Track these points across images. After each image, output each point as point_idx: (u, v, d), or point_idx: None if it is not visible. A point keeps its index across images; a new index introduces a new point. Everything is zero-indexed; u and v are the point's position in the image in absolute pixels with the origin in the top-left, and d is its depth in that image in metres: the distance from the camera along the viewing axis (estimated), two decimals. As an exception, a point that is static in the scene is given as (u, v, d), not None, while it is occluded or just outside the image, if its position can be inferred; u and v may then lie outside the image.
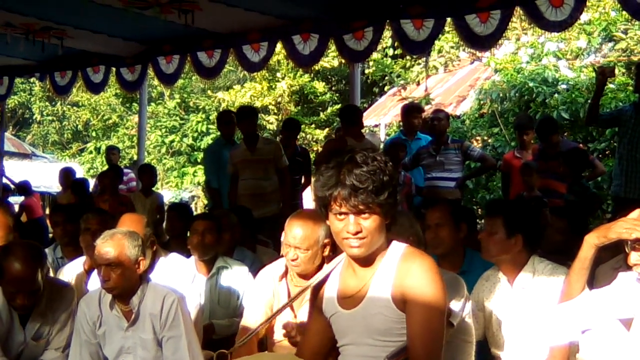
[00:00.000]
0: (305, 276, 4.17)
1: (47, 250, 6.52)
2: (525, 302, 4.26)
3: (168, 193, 21.28)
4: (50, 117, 30.27)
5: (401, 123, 10.67)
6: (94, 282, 5.10)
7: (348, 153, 3.09)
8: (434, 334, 3.07)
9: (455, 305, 3.80)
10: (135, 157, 15.75)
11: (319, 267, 4.12)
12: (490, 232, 4.28)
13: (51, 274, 5.79)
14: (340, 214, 3.07)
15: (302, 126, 16.07)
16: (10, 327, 4.42)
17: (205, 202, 16.93)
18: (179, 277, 4.84)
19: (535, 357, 4.11)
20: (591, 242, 3.34)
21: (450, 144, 8.95)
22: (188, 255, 5.87)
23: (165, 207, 10.68)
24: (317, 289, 3.41)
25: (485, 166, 9.50)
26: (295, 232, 4.18)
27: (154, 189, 10.64)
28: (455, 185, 8.84)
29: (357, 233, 3.06)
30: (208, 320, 5.57)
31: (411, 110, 9.53)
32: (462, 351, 3.87)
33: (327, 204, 3.10)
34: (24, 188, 14.46)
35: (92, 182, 12.44)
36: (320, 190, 3.09)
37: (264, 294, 4.47)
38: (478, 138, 12.50)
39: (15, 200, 15.24)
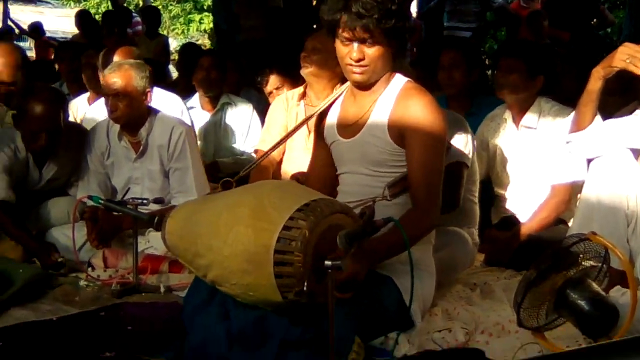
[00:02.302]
0: (319, 93, 4.20)
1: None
2: (530, 142, 4.28)
3: (174, 41, 21.05)
4: (53, -39, 29.61)
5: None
6: (95, 110, 5.13)
7: None
8: (433, 167, 3.11)
9: (461, 144, 3.82)
10: (140, 3, 15.50)
11: (331, 88, 4.15)
12: (511, 71, 4.25)
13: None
14: (345, 39, 3.05)
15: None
16: (26, 168, 4.45)
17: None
18: (165, 111, 4.77)
19: (537, 196, 4.17)
20: (597, 75, 3.32)
21: None
22: (192, 92, 5.89)
23: (172, 52, 10.59)
24: (321, 118, 3.43)
25: (504, 16, 9.31)
26: (314, 34, 4.26)
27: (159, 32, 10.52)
28: (472, 35, 8.74)
29: (359, 60, 3.06)
30: (213, 158, 5.64)
31: None
32: (466, 189, 3.91)
33: (333, 28, 3.08)
34: (35, 29, 14.20)
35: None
36: (327, 14, 3.07)
37: (278, 118, 4.50)
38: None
39: (24, 45, 15.05)
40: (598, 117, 3.40)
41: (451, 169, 3.44)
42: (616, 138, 3.32)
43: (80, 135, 4.58)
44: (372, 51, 3.06)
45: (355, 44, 3.04)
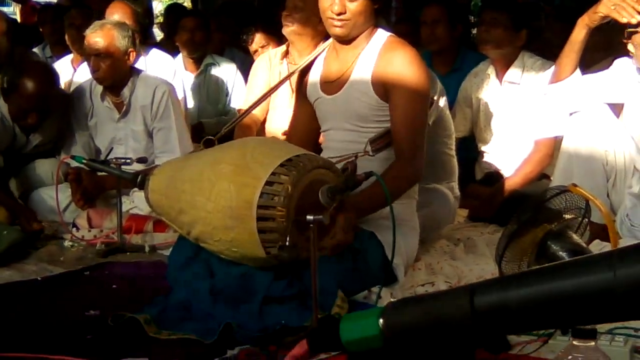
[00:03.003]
0: (302, 52, 4.18)
1: (36, 49, 6.50)
2: (514, 97, 4.28)
3: (159, 4, 20.88)
4: None
5: None
6: (81, 75, 5.10)
7: None
8: (417, 120, 3.11)
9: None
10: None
11: (314, 46, 4.12)
12: (494, 25, 4.23)
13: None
14: None
15: None
16: (13, 135, 4.44)
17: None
18: (160, 73, 4.79)
19: (521, 151, 4.18)
20: (582, 24, 3.33)
21: None
22: (177, 53, 5.85)
23: (157, 15, 10.48)
24: (303, 75, 3.41)
25: None
26: None
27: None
28: None
29: (340, 14, 3.05)
30: (197, 119, 5.62)
31: None
32: (442, 144, 3.89)
33: None
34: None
35: None
36: None
37: (261, 77, 4.48)
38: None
39: (8, 10, 14.88)
40: (578, 71, 3.41)
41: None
42: (594, 93, 3.33)
43: (65, 101, 4.56)
44: (353, 5, 3.05)
45: None
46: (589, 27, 3.32)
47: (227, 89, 5.78)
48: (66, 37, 5.68)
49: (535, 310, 1.28)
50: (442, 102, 3.79)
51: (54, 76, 4.43)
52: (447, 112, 3.87)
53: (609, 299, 1.23)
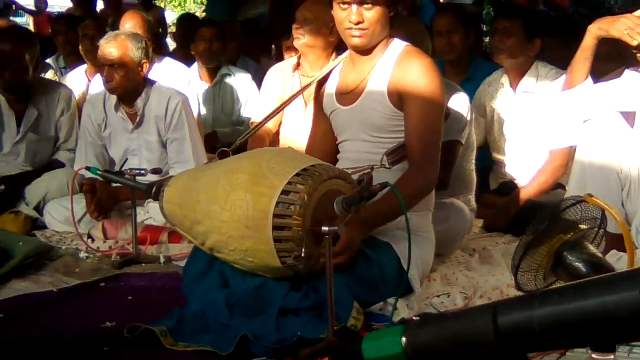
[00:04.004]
0: (314, 64, 4.19)
1: (50, 60, 6.54)
2: (529, 107, 4.27)
3: (171, 14, 20.96)
4: None
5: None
6: (96, 87, 5.13)
7: None
8: (431, 129, 3.10)
9: (463, 107, 3.77)
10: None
11: (326, 58, 4.13)
12: (508, 34, 4.24)
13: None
14: (344, 3, 3.06)
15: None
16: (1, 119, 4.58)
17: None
18: (174, 81, 4.83)
19: (536, 161, 4.17)
20: (593, 33, 3.32)
21: None
22: (191, 63, 5.87)
23: (170, 25, 10.51)
24: (320, 87, 3.42)
25: None
26: (304, 4, 4.22)
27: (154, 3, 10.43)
28: (472, 1, 8.71)
29: (358, 23, 3.05)
30: (211, 128, 5.64)
31: None
32: (465, 159, 3.89)
33: None
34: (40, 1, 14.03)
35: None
36: None
37: (274, 89, 4.48)
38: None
39: (21, 21, 14.94)
40: (590, 79, 3.40)
41: (446, 148, 3.40)
42: (606, 101, 3.32)
43: (57, 88, 4.85)
44: (371, 14, 3.05)
45: (354, 7, 3.04)
46: (598, 38, 3.31)
47: (242, 98, 5.79)
48: (80, 47, 5.73)
49: (559, 330, 1.27)
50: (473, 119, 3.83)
51: (29, 38, 4.66)
52: (472, 128, 3.87)
53: (634, 318, 1.21)
